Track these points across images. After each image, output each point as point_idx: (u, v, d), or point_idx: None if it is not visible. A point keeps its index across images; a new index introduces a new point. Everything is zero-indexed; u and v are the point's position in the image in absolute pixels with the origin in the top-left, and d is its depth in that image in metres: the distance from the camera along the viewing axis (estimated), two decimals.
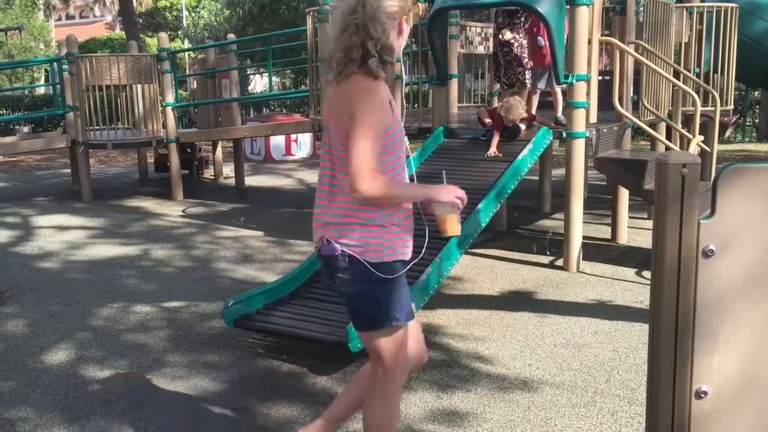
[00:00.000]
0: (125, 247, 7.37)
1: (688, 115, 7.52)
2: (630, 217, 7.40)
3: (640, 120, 6.43)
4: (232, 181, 11.57)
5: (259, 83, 34.32)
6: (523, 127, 6.11)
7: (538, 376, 4.05)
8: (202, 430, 3.56)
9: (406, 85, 8.80)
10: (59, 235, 8.03)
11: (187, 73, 22.59)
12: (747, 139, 17.20)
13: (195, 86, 12.73)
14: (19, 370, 4.31)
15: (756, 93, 17.81)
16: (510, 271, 6.20)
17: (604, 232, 7.40)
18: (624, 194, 7.07)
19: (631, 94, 6.74)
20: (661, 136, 7.31)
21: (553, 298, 5.43)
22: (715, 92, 6.13)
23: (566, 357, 4.32)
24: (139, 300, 5.64)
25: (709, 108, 7.05)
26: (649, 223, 7.94)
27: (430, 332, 4.77)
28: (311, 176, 12.51)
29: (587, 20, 5.86)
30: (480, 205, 5.15)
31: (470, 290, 5.70)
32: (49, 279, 6.27)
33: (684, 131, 6.46)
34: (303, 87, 28.68)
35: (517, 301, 5.39)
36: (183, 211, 9.38)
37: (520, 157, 5.66)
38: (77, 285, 6.09)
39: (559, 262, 6.34)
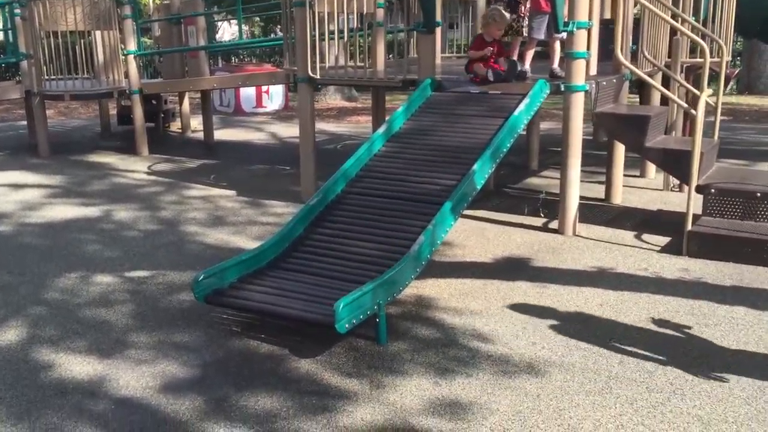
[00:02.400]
0: (85, 208, 6.82)
1: (687, 67, 7.11)
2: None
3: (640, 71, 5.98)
4: (200, 135, 10.96)
5: (227, 31, 33.09)
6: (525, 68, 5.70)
7: (544, 357, 3.67)
8: (169, 429, 3.12)
9: (388, 33, 8.24)
10: (13, 194, 7.43)
11: (151, 18, 21.51)
12: (727, 92, 16.89)
13: (158, 33, 11.96)
14: None
15: (737, 44, 17.43)
16: (502, 234, 5.80)
17: (597, 191, 7.02)
18: (620, 151, 6.68)
19: (630, 44, 6.28)
20: (653, 89, 6.90)
21: (550, 266, 5.05)
22: (722, 42, 5.70)
23: (572, 334, 3.94)
24: (100, 269, 5.14)
25: (714, 59, 6.63)
26: (644, 182, 7.58)
27: (421, 306, 4.36)
28: (284, 130, 11.94)
29: None
30: (475, 166, 4.70)
31: (461, 257, 5.28)
32: None
33: (688, 85, 6.04)
34: (273, 35, 27.68)
35: (513, 269, 5.00)
36: (148, 167, 8.79)
37: (516, 112, 5.19)
38: (31, 251, 5.56)
39: (554, 225, 5.95)
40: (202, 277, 4.01)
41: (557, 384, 3.40)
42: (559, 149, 9.35)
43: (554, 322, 4.09)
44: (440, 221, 4.32)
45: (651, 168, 7.71)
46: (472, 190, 4.65)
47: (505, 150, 5.03)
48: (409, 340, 3.91)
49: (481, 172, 4.74)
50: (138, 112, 9.59)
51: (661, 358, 3.64)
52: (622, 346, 3.78)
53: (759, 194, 5.20)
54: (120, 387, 3.46)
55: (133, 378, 3.54)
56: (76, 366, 3.68)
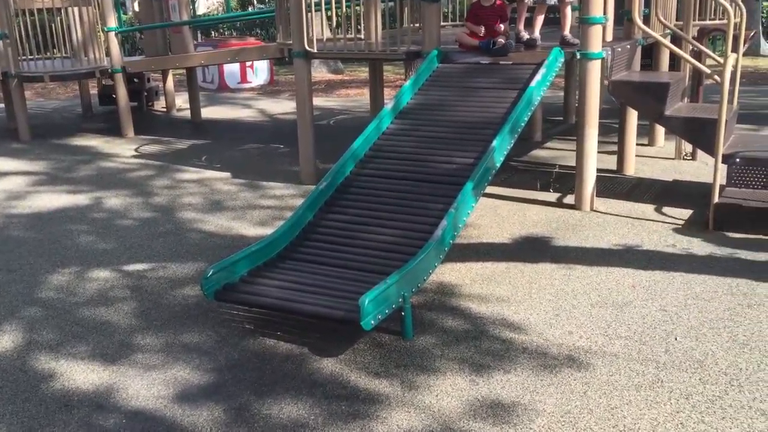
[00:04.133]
0: (73, 196, 6.46)
1: (699, 30, 6.82)
2: None
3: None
4: (186, 114, 10.55)
5: (202, 4, 32.27)
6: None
7: (584, 348, 3.43)
8: None
9: (389, 0, 7.86)
10: None
11: None
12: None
13: (137, 8, 11.48)
14: None
15: None
16: (516, 212, 5.53)
17: (608, 162, 6.75)
18: (633, 120, 6.42)
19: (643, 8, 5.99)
20: (664, 55, 6.63)
21: (573, 245, 4.80)
22: (740, 3, 5.43)
23: (610, 320, 3.70)
24: (96, 263, 4.83)
25: (721, 22, 6.34)
26: (654, 150, 7.33)
27: (444, 294, 4.10)
28: (273, 106, 11.55)
29: None
30: (494, 142, 4.41)
31: (477, 238, 5.02)
32: None
33: (707, 50, 5.76)
34: (251, 8, 26.99)
35: (534, 249, 4.75)
36: (136, 149, 8.41)
37: (533, 83, 4.90)
38: (20, 245, 5.22)
39: (569, 200, 5.70)
40: (211, 272, 3.71)
41: (603, 378, 3.17)
42: (561, 118, 9.23)
43: (587, 308, 3.85)
44: (462, 203, 4.04)
45: (660, 136, 7.47)
46: (492, 169, 4.37)
47: (523, 124, 4.75)
48: (436, 333, 3.66)
49: (501, 148, 4.45)
50: (121, 92, 9.16)
51: (707, 345, 3.42)
52: (665, 332, 3.54)
53: None
54: (130, 397, 3.18)
55: (144, 386, 3.26)
56: (80, 374, 3.39)
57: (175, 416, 3.02)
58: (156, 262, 4.79)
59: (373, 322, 3.34)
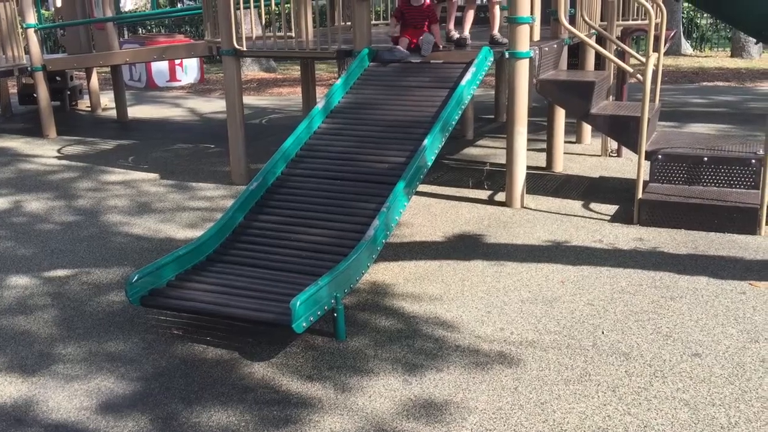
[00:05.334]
0: None
1: (622, 30, 7.01)
2: None
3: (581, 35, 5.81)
4: (112, 113, 10.23)
5: (129, 1, 31.40)
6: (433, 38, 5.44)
7: (515, 344, 3.47)
8: None
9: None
10: None
11: None
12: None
13: (59, 4, 11.06)
14: None
15: None
16: (449, 210, 5.57)
17: (537, 159, 6.87)
18: (561, 119, 6.54)
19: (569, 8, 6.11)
20: (590, 54, 6.78)
21: (504, 241, 4.86)
22: (661, 4, 5.60)
23: (540, 316, 3.76)
24: (15, 269, 4.62)
25: (644, 22, 6.53)
26: (581, 148, 7.50)
27: (377, 293, 4.09)
28: (203, 105, 11.33)
29: None
30: (425, 141, 4.42)
31: (410, 236, 5.03)
32: None
33: (630, 50, 5.92)
34: (180, 5, 26.41)
35: (466, 247, 4.78)
36: (58, 151, 8.11)
37: (462, 82, 4.93)
38: None
39: (500, 197, 5.77)
40: (136, 277, 3.59)
41: (534, 374, 3.20)
42: (491, 116, 9.35)
43: (518, 304, 3.90)
44: (393, 202, 4.03)
45: (587, 133, 7.65)
46: (424, 168, 4.38)
47: (454, 123, 4.78)
48: (369, 333, 3.64)
49: (432, 147, 4.47)
50: (42, 91, 8.82)
51: (633, 337, 3.50)
52: (592, 326, 3.62)
53: (706, 159, 5.15)
54: (50, 410, 3.05)
55: (65, 398, 3.13)
56: None
57: (98, 428, 2.91)
58: (79, 268, 4.62)
59: (304, 324, 3.29)
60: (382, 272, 4.37)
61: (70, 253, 4.88)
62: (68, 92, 10.72)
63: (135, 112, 10.50)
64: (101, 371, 3.35)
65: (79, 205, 6.00)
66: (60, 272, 4.56)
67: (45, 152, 8.02)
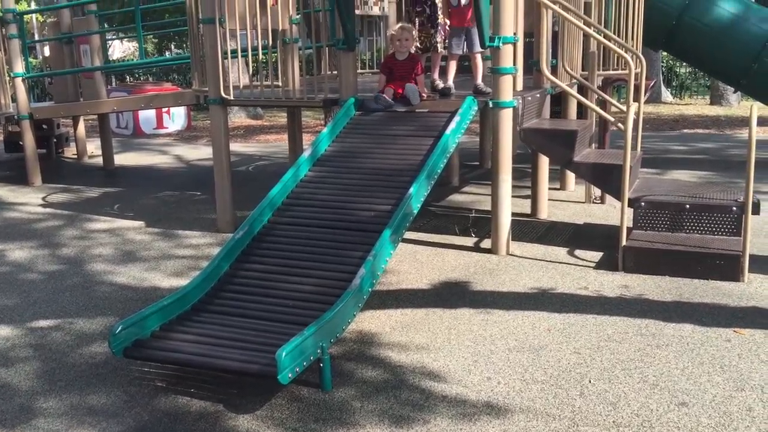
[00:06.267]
0: None
1: (603, 80, 7.15)
2: None
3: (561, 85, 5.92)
4: (98, 161, 10.25)
5: (117, 49, 31.70)
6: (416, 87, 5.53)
7: (502, 395, 3.45)
8: None
9: (306, 48, 7.90)
10: None
11: (36, 38, 20.26)
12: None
13: (48, 53, 11.16)
14: None
15: None
16: (434, 257, 5.58)
17: (522, 206, 6.93)
18: (545, 166, 6.63)
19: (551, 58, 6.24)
20: (572, 103, 6.90)
21: (490, 289, 4.86)
22: (641, 55, 5.74)
23: (526, 365, 3.74)
24: None
25: (624, 72, 6.67)
26: (565, 195, 7.57)
27: (363, 343, 4.06)
28: (190, 152, 11.38)
29: None
30: (411, 189, 4.45)
31: (396, 284, 5.02)
32: None
33: (611, 99, 6.04)
34: (168, 54, 26.67)
35: (452, 294, 4.78)
36: (43, 199, 8.09)
37: (447, 131, 5.00)
38: None
39: (485, 244, 5.80)
40: (119, 328, 3.56)
41: (521, 425, 3.18)
42: (477, 163, 9.45)
43: (505, 353, 3.89)
44: (380, 251, 4.04)
45: (571, 180, 7.74)
46: (410, 215, 4.40)
47: (439, 171, 4.82)
48: (355, 384, 3.60)
49: (418, 195, 4.50)
50: (28, 139, 8.84)
51: (620, 386, 3.49)
52: (580, 375, 3.61)
53: (688, 206, 5.21)
54: None
55: None
56: None
57: None
58: (62, 318, 4.57)
59: (290, 375, 3.26)
60: (369, 321, 4.36)
61: (53, 303, 4.83)
62: (54, 140, 10.76)
63: (121, 159, 10.52)
64: (82, 425, 3.28)
65: (63, 253, 5.96)
66: (42, 323, 4.51)
67: (30, 200, 7.99)
